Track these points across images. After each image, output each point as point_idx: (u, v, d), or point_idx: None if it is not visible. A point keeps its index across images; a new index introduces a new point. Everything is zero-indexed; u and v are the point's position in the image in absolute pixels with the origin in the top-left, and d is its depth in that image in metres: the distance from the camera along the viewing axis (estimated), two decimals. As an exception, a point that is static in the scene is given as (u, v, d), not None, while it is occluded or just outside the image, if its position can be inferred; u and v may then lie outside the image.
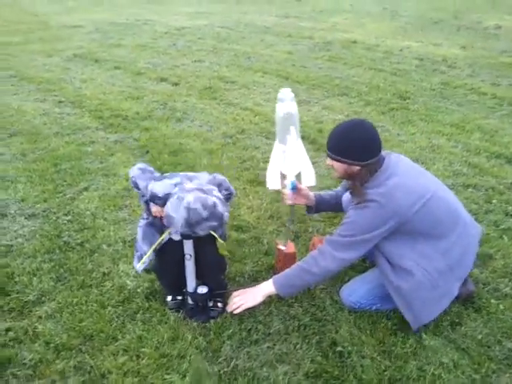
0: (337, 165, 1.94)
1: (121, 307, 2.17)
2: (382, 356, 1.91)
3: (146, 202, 2.03)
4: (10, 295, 2.23)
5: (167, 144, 3.96)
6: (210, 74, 6.33)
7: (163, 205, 1.81)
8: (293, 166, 2.15)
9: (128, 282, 2.33)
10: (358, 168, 1.90)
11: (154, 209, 1.95)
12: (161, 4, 14.05)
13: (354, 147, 1.87)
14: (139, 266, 2.07)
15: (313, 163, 3.54)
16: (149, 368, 1.85)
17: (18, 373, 1.84)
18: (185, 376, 1.82)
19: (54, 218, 2.87)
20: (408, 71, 6.39)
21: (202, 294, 2.08)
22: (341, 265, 1.98)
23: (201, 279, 2.12)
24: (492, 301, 2.17)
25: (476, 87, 5.61)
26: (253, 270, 2.44)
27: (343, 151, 1.89)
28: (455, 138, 4.11)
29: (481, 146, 3.91)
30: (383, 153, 1.94)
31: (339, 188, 2.41)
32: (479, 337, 1.98)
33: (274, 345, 1.98)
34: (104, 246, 2.61)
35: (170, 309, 2.14)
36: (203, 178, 2.00)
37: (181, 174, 1.99)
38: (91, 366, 1.86)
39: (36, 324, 2.06)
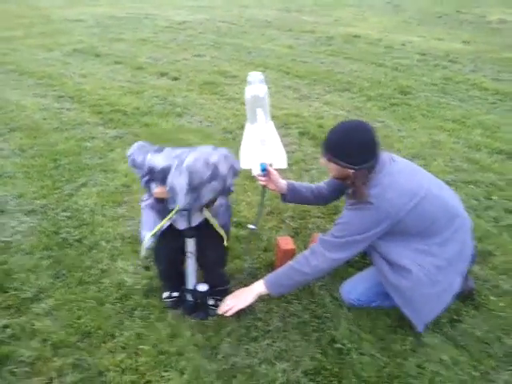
0: (331, 165, 1.92)
1: (119, 304, 2.16)
2: (382, 353, 1.90)
3: (148, 182, 1.85)
4: (7, 292, 2.22)
5: (167, 139, 3.94)
6: (210, 68, 6.30)
7: (163, 180, 1.69)
8: (263, 149, 2.11)
9: (126, 278, 2.32)
10: (351, 171, 1.87)
11: (157, 190, 1.81)
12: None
13: (350, 151, 1.83)
14: (142, 251, 1.94)
15: (313, 159, 3.58)
16: (147, 365, 1.85)
17: (16, 370, 1.83)
18: (183, 373, 1.82)
19: (53, 215, 2.86)
20: (410, 66, 6.35)
21: (202, 292, 2.06)
22: (332, 265, 1.97)
23: (201, 274, 2.09)
24: (491, 298, 2.16)
25: (478, 82, 5.57)
26: (252, 266, 2.43)
27: (338, 153, 1.85)
28: (456, 134, 4.08)
29: (482, 142, 3.88)
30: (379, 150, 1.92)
31: (322, 184, 2.36)
32: (478, 334, 1.97)
33: (274, 342, 1.97)
34: (102, 243, 2.60)
35: (166, 307, 2.12)
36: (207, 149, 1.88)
37: (184, 148, 1.85)
38: (89, 364, 1.86)
39: (33, 321, 2.05)
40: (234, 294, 2.09)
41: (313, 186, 2.38)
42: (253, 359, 1.89)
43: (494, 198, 3.03)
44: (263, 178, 2.16)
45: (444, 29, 9.02)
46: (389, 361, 1.87)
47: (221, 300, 2.12)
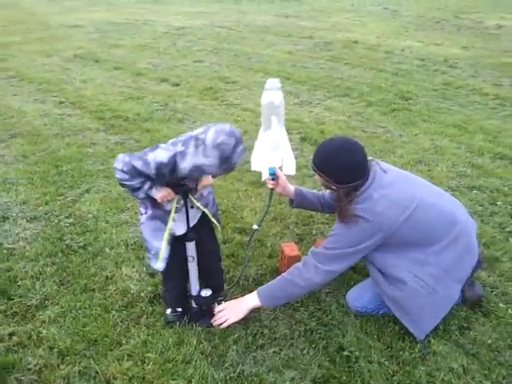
0: (318, 177, 1.98)
1: (124, 311, 2.15)
2: (390, 361, 1.89)
3: (149, 190, 1.82)
4: (12, 299, 2.21)
5: (169, 145, 3.93)
6: (210, 74, 6.31)
7: (172, 171, 1.69)
8: (274, 154, 2.14)
9: (131, 285, 2.31)
10: (334, 188, 1.92)
11: (160, 194, 1.80)
12: (160, 3, 14.01)
13: (332, 170, 1.88)
14: (159, 264, 1.93)
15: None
16: (154, 373, 1.83)
17: (23, 378, 1.82)
18: (190, 381, 1.80)
19: (56, 221, 2.85)
20: (409, 71, 6.37)
21: (206, 297, 2.06)
22: (325, 277, 1.97)
23: (201, 268, 2.07)
24: (500, 305, 2.15)
25: (478, 88, 5.60)
26: (257, 273, 2.42)
27: (322, 169, 1.91)
28: (458, 139, 4.09)
29: (484, 147, 3.89)
30: (369, 161, 1.93)
31: (328, 192, 2.37)
32: (488, 342, 1.96)
33: (281, 350, 1.96)
34: (106, 249, 2.58)
35: (169, 322, 2.08)
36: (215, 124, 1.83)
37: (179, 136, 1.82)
38: (96, 372, 1.84)
39: (40, 328, 2.04)
40: (226, 304, 2.08)
41: (320, 193, 2.38)
42: (260, 367, 1.88)
43: (498, 203, 3.02)
44: (272, 182, 2.17)
45: (442, 34, 9.07)
46: (398, 369, 1.85)
47: (223, 300, 2.14)
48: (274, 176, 2.14)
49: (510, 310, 2.11)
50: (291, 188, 2.29)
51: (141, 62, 6.96)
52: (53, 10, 12.73)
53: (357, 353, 1.92)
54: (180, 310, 2.11)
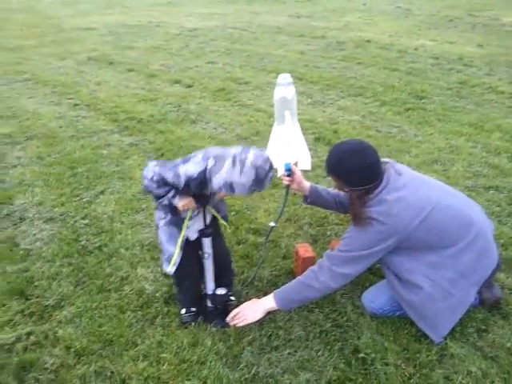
0: (332, 180, 2.01)
1: (140, 312, 2.16)
2: (407, 363, 1.87)
3: (172, 198, 1.89)
4: (29, 299, 2.24)
5: (182, 146, 3.95)
6: (223, 75, 6.32)
7: (199, 185, 1.76)
8: (288, 150, 2.14)
9: (147, 286, 2.32)
10: (347, 190, 1.92)
11: (182, 202, 1.86)
12: (173, 5, 14.08)
13: (344, 172, 1.89)
14: (170, 268, 2.00)
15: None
16: (169, 374, 1.84)
17: (40, 377, 1.84)
18: (205, 382, 1.81)
19: (72, 222, 2.88)
20: (423, 70, 6.30)
21: (221, 296, 2.07)
22: (340, 281, 1.97)
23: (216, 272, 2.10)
24: (519, 307, 2.11)
25: (494, 86, 5.52)
26: (271, 274, 2.42)
27: (335, 171, 1.92)
28: (474, 139, 4.04)
29: (501, 147, 3.83)
30: (383, 164, 1.92)
31: (343, 193, 2.35)
32: (508, 345, 1.93)
33: (296, 351, 1.95)
34: (122, 250, 2.60)
35: (184, 322, 2.09)
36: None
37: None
38: (112, 372, 1.86)
39: (56, 328, 2.07)
40: (243, 306, 2.08)
41: (335, 192, 2.36)
42: (275, 369, 1.88)
43: (516, 203, 2.98)
44: (287, 178, 2.17)
45: (456, 32, 8.96)
46: (414, 371, 1.83)
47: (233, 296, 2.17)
48: (289, 172, 2.15)
49: (529, 313, 2.08)
50: (307, 184, 2.29)
51: (154, 63, 7.00)
52: (67, 13, 12.86)
53: (373, 355, 1.90)
54: (194, 309, 2.12)
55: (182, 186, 1.77)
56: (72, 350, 1.95)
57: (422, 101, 5.08)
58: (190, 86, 5.84)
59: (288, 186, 2.21)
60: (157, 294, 2.26)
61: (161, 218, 2.03)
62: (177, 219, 1.97)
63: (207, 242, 1.99)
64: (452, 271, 1.88)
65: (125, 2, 14.81)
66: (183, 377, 1.83)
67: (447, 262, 1.88)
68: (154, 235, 2.67)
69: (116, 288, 2.32)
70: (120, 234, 2.76)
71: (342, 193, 2.34)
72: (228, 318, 2.06)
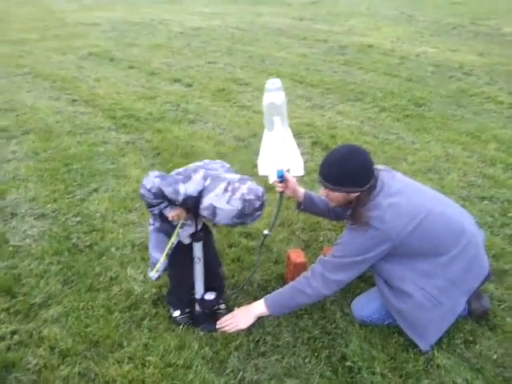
0: (334, 194, 1.92)
1: (127, 313, 2.14)
2: (393, 373, 1.86)
3: (164, 208, 1.91)
4: (16, 297, 2.22)
5: (179, 146, 3.94)
6: (223, 75, 6.31)
7: (195, 203, 1.75)
8: (280, 156, 2.12)
9: (135, 287, 2.31)
10: (356, 194, 1.87)
11: (173, 213, 1.86)
12: (176, 3, 14.06)
13: (353, 175, 1.84)
14: (153, 274, 2.00)
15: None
16: (154, 377, 1.83)
17: (22, 378, 1.82)
18: (190, 387, 1.79)
19: (64, 219, 2.86)
20: (424, 77, 6.29)
21: (210, 300, 2.06)
22: (333, 287, 1.95)
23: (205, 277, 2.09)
24: (508, 319, 2.10)
25: (493, 96, 5.51)
26: (262, 278, 2.40)
27: (342, 180, 1.85)
28: (471, 148, 4.03)
29: (497, 157, 3.82)
30: (377, 170, 1.91)
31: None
32: (494, 357, 1.92)
33: (283, 358, 1.94)
34: (112, 249, 2.59)
35: (179, 325, 2.08)
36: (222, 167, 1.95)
37: (198, 164, 1.92)
38: (96, 374, 1.84)
39: (41, 328, 2.05)
40: (235, 312, 2.06)
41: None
42: (262, 375, 1.86)
43: (509, 214, 2.96)
44: (280, 185, 2.15)
45: (459, 40, 8.95)
46: (401, 381, 1.82)
47: (224, 303, 2.15)
48: (282, 179, 2.13)
49: (517, 326, 2.07)
50: (301, 191, 2.28)
51: (155, 61, 6.98)
52: (71, 7, 12.83)
53: (360, 363, 1.89)
54: (188, 310, 2.13)
55: (180, 202, 1.78)
56: (56, 350, 1.93)
57: (421, 108, 5.07)
58: (189, 86, 5.82)
59: (282, 193, 2.19)
60: (145, 296, 2.25)
61: (150, 224, 2.04)
62: (168, 227, 1.95)
63: (198, 247, 1.97)
64: (443, 279, 1.88)
65: (129, -1, 14.78)
66: (168, 381, 1.81)
67: (438, 271, 1.88)
68: (145, 235, 2.65)
69: (105, 288, 2.30)
70: (112, 232, 2.74)
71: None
72: (218, 325, 2.04)
